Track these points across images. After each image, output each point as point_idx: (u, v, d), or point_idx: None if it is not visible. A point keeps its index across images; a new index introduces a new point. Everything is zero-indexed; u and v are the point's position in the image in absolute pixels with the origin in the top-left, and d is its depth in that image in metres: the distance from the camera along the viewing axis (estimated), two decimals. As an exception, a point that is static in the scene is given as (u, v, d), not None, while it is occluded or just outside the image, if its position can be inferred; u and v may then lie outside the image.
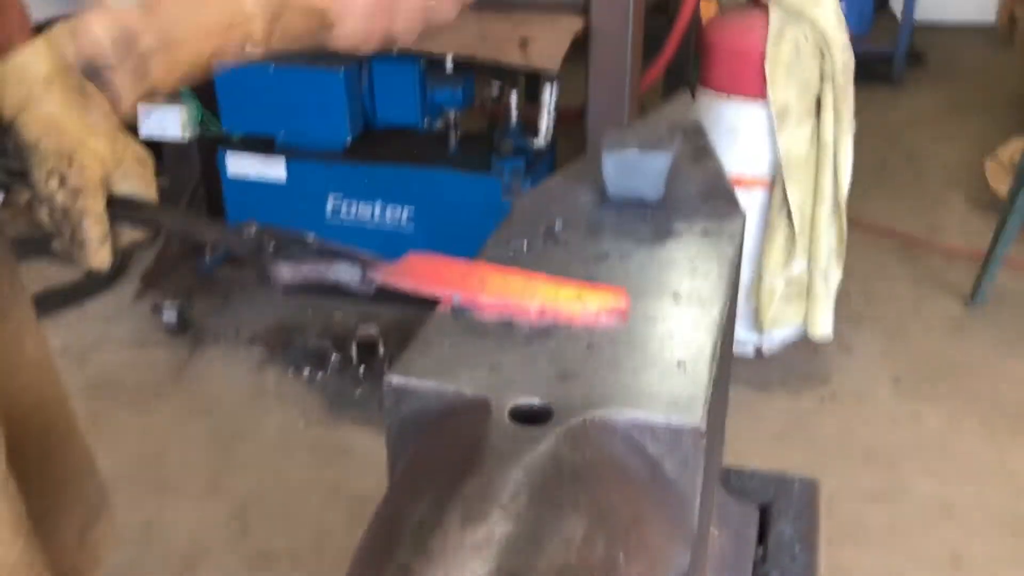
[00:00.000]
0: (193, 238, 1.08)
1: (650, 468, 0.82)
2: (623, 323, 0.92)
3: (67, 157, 0.97)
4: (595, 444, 0.79)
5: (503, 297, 0.94)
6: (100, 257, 1.02)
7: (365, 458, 2.63)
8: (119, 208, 1.04)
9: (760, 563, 1.39)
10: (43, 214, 1.01)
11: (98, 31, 0.78)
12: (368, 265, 0.97)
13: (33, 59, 0.98)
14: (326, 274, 0.97)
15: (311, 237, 0.99)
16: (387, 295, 0.95)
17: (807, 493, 1.52)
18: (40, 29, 1.04)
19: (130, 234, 1.08)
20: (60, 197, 0.98)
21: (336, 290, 0.99)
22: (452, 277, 0.97)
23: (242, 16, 0.79)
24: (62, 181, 0.97)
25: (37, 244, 3.74)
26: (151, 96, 0.84)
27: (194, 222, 1.08)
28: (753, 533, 1.46)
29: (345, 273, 0.97)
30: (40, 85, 0.98)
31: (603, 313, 0.93)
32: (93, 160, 0.99)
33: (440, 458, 0.81)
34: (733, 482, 1.56)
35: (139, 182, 1.06)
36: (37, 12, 1.05)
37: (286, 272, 0.97)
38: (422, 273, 0.97)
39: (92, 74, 0.80)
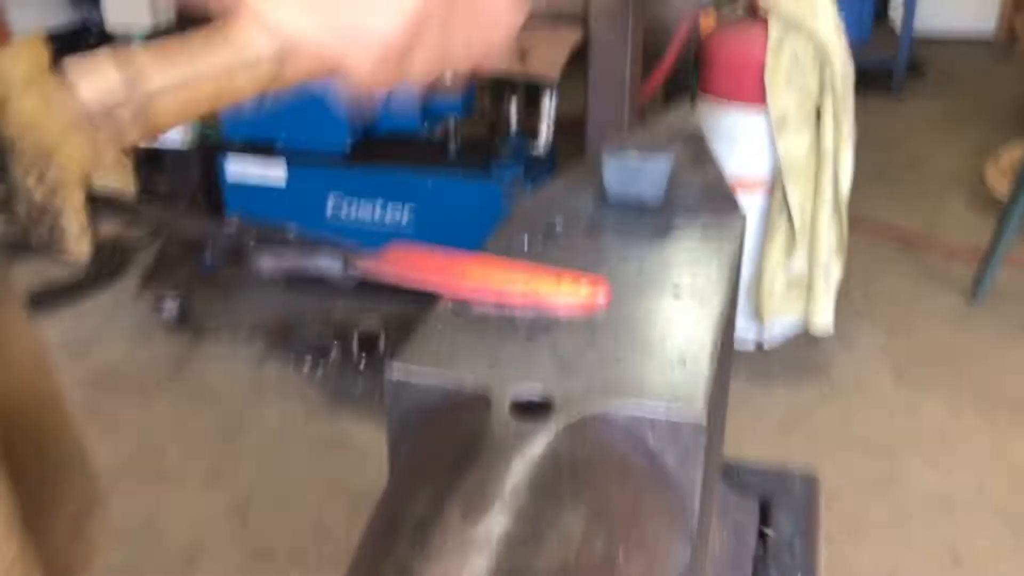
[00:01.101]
0: (173, 231, 1.09)
1: (650, 462, 0.82)
2: (604, 310, 0.93)
3: (45, 155, 0.98)
4: (595, 438, 0.80)
5: (484, 286, 0.95)
6: (79, 250, 1.03)
7: (365, 451, 2.64)
8: (98, 203, 1.05)
9: (760, 558, 1.39)
10: (20, 209, 1.02)
11: (110, 70, 0.78)
12: (350, 256, 0.98)
13: (11, 61, 0.99)
14: (308, 265, 0.98)
15: (292, 229, 1.00)
16: (387, 288, 0.96)
17: (808, 488, 1.52)
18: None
19: (109, 227, 1.08)
20: (38, 194, 0.99)
21: (329, 281, 1.00)
22: (434, 267, 0.98)
23: (249, 60, 0.77)
24: (40, 178, 0.98)
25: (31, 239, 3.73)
26: (152, 134, 0.84)
27: (174, 216, 1.08)
28: (753, 528, 1.46)
29: (327, 264, 0.98)
30: (18, 86, 0.99)
31: (583, 300, 0.94)
32: (72, 158, 1.00)
33: (440, 451, 0.81)
34: (733, 476, 1.56)
35: (117, 181, 1.07)
36: (22, 22, 1.06)
37: (268, 263, 0.98)
38: (404, 264, 0.99)
39: (100, 112, 0.81)
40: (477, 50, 0.79)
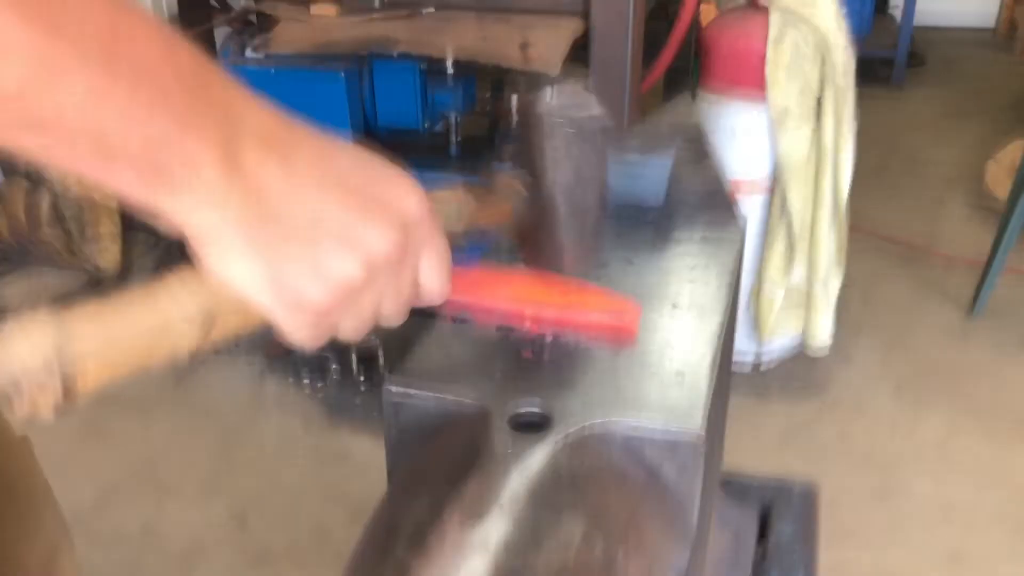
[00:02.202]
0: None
1: (649, 477, 0.82)
2: (631, 344, 0.90)
3: None
4: (594, 453, 0.79)
5: (516, 303, 0.92)
6: (110, 254, 1.02)
7: (365, 467, 2.62)
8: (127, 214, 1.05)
9: (759, 567, 1.39)
10: (45, 206, 1.01)
11: (40, 334, 0.74)
12: None
13: None
14: None
15: None
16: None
17: (806, 498, 1.52)
18: None
19: (140, 241, 1.09)
20: (77, 189, 0.99)
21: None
22: (463, 283, 0.95)
23: (184, 317, 0.72)
24: (80, 178, 0.99)
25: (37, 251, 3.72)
26: (71, 399, 0.80)
27: None
28: (752, 537, 1.46)
29: None
30: None
31: (619, 329, 0.91)
32: None
33: (439, 466, 0.81)
34: (732, 487, 1.56)
35: None
36: None
37: None
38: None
39: (25, 379, 0.76)
40: (405, 310, 0.78)
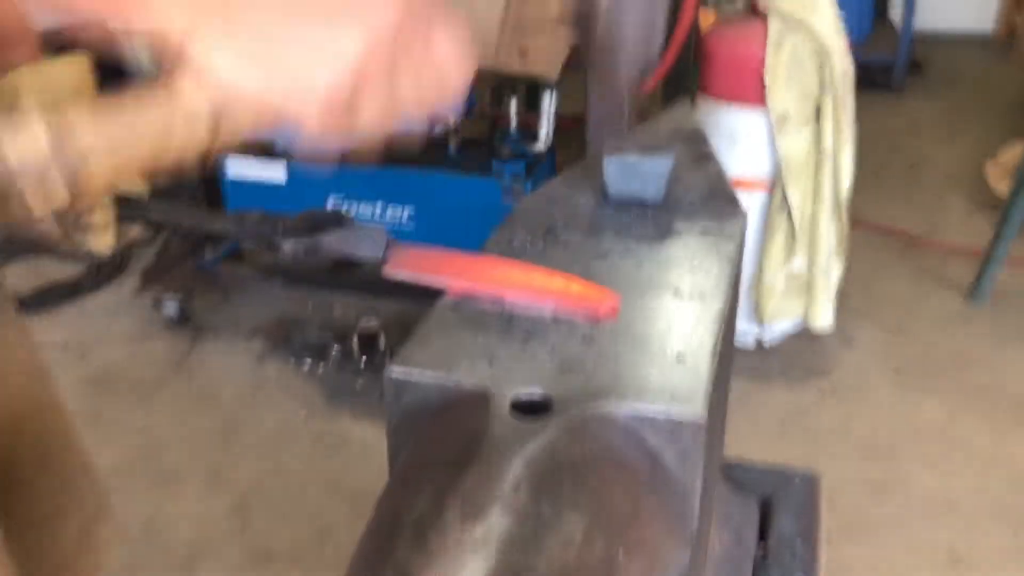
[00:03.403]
0: (201, 230, 1.11)
1: (650, 462, 0.82)
2: (613, 320, 0.92)
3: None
4: (595, 437, 0.79)
5: (496, 286, 0.95)
6: (103, 241, 1.04)
7: (366, 450, 2.64)
8: (124, 205, 1.07)
9: (761, 559, 1.39)
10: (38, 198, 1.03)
11: (38, 128, 0.70)
12: (391, 242, 0.99)
13: (63, 70, 1.01)
14: (346, 248, 0.98)
15: (346, 214, 1.02)
16: (387, 287, 0.96)
17: (808, 487, 1.52)
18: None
19: (134, 230, 1.10)
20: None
21: (338, 283, 1.00)
22: (448, 266, 0.98)
23: (187, 116, 0.70)
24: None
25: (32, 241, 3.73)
26: (84, 195, 0.75)
27: (194, 215, 1.09)
28: (754, 528, 1.46)
29: (368, 248, 0.98)
30: (67, 93, 1.01)
31: (592, 309, 0.93)
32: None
33: (440, 450, 0.81)
34: (733, 475, 1.55)
35: (136, 184, 1.09)
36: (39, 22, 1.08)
37: (288, 247, 0.99)
38: (419, 262, 0.99)
39: (26, 173, 0.75)
40: (428, 100, 0.72)
